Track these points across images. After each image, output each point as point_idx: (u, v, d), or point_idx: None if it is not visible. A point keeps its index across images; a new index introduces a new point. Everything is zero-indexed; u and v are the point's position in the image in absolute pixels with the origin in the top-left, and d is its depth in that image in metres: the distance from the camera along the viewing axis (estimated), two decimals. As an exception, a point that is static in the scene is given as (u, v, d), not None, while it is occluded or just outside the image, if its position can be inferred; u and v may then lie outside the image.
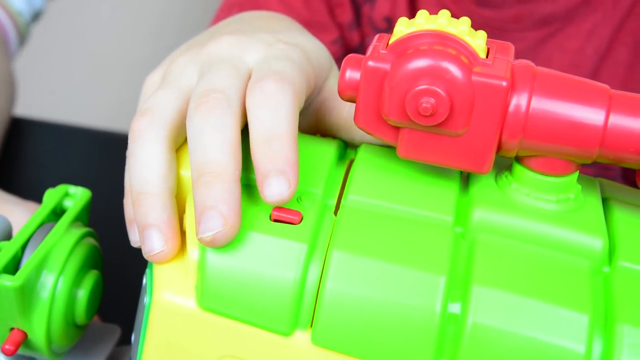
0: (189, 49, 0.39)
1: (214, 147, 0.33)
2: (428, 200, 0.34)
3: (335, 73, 0.41)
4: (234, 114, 0.34)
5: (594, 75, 0.62)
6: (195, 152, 0.34)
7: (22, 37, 0.71)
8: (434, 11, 0.35)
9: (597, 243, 0.33)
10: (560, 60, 0.62)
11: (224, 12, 0.63)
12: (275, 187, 0.33)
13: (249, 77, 0.37)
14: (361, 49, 0.67)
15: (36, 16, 0.73)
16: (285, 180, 0.33)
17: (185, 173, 0.36)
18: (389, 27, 0.64)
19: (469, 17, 0.34)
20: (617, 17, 0.60)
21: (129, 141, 0.36)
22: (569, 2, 0.60)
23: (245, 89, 0.36)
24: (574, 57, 0.61)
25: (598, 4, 0.60)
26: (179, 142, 0.37)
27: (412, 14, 0.63)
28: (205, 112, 0.34)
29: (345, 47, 0.67)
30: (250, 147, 0.34)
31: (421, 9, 0.63)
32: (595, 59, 0.61)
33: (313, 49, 0.40)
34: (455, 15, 0.59)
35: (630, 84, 0.61)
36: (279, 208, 0.34)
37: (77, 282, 0.37)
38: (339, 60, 0.64)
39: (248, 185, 0.35)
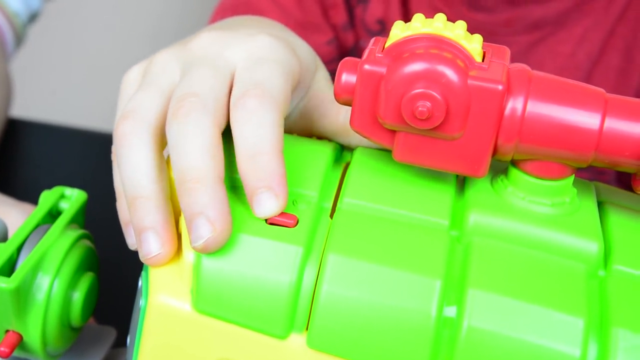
0: (172, 47, 0.39)
1: (192, 153, 0.33)
2: (424, 203, 0.34)
3: (323, 75, 0.41)
4: (211, 114, 0.34)
5: (586, 80, 0.62)
6: (175, 159, 0.34)
7: (19, 39, 0.71)
8: (426, 14, 0.35)
9: (592, 247, 0.33)
10: (551, 65, 0.61)
11: (218, 15, 0.63)
12: (263, 203, 0.33)
13: (231, 74, 0.36)
14: (356, 49, 0.67)
15: (33, 17, 0.73)
16: (273, 195, 0.33)
17: None
18: (382, 30, 0.64)
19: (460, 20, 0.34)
20: (608, 22, 0.60)
21: (115, 145, 0.35)
22: (560, 6, 0.60)
23: (227, 86, 0.36)
24: (565, 61, 0.61)
25: (590, 9, 0.60)
26: (166, 142, 0.37)
27: (404, 17, 0.63)
28: (182, 117, 0.34)
29: (340, 48, 0.67)
30: (237, 162, 0.34)
31: (414, 12, 0.63)
32: (587, 63, 0.61)
33: (297, 42, 0.39)
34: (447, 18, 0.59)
35: (621, 89, 0.61)
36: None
37: (72, 284, 0.37)
38: (335, 61, 0.64)
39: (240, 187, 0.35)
